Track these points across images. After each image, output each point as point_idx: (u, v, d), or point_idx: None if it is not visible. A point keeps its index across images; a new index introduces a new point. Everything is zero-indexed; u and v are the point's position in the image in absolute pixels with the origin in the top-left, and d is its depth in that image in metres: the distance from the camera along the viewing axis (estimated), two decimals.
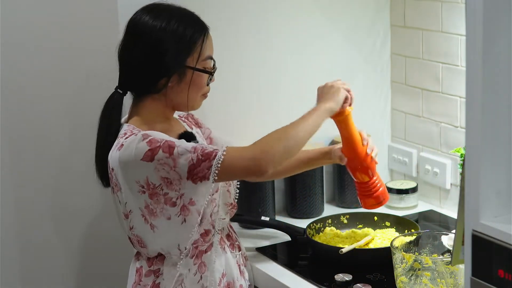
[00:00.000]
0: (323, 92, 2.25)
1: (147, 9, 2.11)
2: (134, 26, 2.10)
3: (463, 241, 1.39)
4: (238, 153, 2.00)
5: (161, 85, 2.07)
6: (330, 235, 2.48)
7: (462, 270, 1.98)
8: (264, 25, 2.69)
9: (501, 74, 1.32)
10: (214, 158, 1.96)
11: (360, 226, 2.59)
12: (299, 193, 2.75)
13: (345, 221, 2.59)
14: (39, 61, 3.09)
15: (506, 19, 1.30)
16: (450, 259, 2.02)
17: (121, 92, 2.12)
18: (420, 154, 2.84)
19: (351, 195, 2.83)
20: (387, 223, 2.57)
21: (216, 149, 1.98)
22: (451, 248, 2.12)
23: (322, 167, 2.78)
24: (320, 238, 2.48)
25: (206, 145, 2.01)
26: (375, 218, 2.59)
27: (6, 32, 3.02)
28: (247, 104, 2.70)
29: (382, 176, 2.96)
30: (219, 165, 1.96)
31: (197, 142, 2.15)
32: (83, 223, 3.27)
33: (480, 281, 1.35)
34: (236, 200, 2.25)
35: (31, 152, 3.14)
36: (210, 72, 2.12)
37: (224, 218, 2.19)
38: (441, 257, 2.12)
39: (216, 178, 1.98)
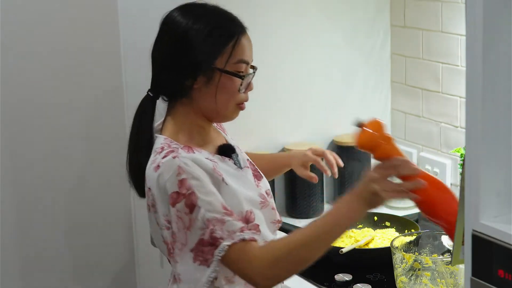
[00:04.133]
0: (366, 195, 1.81)
1: (180, 7, 1.97)
2: (164, 24, 1.96)
3: (463, 241, 1.39)
4: (237, 262, 1.78)
5: (187, 86, 1.90)
6: None
7: (462, 270, 1.98)
8: (263, 25, 2.69)
9: (501, 74, 1.32)
10: (216, 248, 1.78)
11: (360, 226, 2.59)
12: (299, 193, 2.75)
13: None
14: (39, 61, 3.09)
15: (506, 19, 1.30)
16: (450, 259, 2.02)
17: (151, 95, 1.97)
18: (420, 154, 2.84)
19: None
20: (387, 223, 2.57)
21: (222, 238, 1.78)
22: (451, 248, 2.12)
23: None
24: None
25: (218, 225, 1.78)
26: (375, 218, 2.59)
27: (6, 32, 3.02)
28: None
29: None
30: (219, 258, 1.78)
31: (237, 155, 2.00)
32: (84, 223, 3.27)
33: (480, 281, 1.35)
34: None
35: (31, 151, 3.14)
36: (240, 76, 1.91)
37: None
38: (441, 257, 2.12)
39: (217, 269, 1.79)
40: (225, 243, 1.77)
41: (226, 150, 1.98)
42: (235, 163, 1.97)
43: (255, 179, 2.01)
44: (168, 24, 1.94)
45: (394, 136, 2.97)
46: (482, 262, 1.35)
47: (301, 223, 2.61)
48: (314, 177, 2.27)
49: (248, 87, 1.95)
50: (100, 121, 3.30)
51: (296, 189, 2.75)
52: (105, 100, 3.27)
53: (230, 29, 1.92)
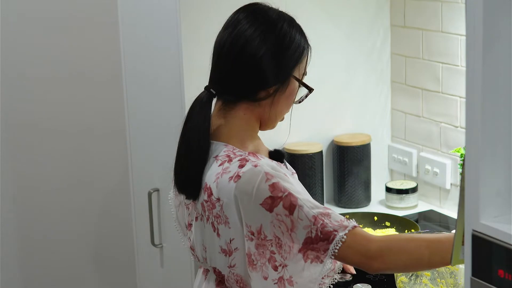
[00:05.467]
0: None
1: (264, 6, 1.93)
2: (250, 20, 1.86)
3: (463, 241, 1.39)
4: (357, 246, 1.75)
5: (265, 93, 1.86)
6: None
7: (462, 270, 1.98)
8: None
9: (501, 74, 1.31)
10: (332, 242, 1.74)
11: (360, 226, 2.58)
12: None
13: None
14: (39, 61, 3.09)
15: (506, 19, 1.30)
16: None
17: (214, 92, 1.87)
18: (420, 154, 2.85)
19: (351, 195, 2.83)
20: (387, 223, 2.57)
21: (336, 230, 1.74)
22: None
23: (322, 167, 2.78)
24: None
25: (326, 219, 1.76)
26: (375, 218, 2.59)
27: (6, 32, 3.02)
28: None
29: (382, 176, 2.97)
30: (336, 250, 1.74)
31: (285, 163, 1.95)
32: (86, 223, 3.28)
33: (480, 281, 1.35)
34: None
35: (32, 150, 3.14)
36: (309, 88, 1.93)
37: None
38: None
39: (332, 259, 1.76)
40: (341, 233, 1.74)
41: (279, 155, 1.93)
42: (287, 168, 1.94)
43: None
44: (251, 24, 1.86)
45: (394, 136, 2.98)
46: (482, 262, 1.35)
47: None
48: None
49: (302, 99, 1.98)
50: (100, 121, 3.30)
51: None
52: (105, 100, 3.27)
53: (306, 39, 1.93)
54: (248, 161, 1.79)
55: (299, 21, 2.85)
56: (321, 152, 2.77)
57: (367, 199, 2.87)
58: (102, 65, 3.19)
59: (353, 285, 2.16)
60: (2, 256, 3.13)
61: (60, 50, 3.11)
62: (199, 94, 1.88)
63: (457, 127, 2.68)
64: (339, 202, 2.86)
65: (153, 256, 2.89)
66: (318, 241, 1.74)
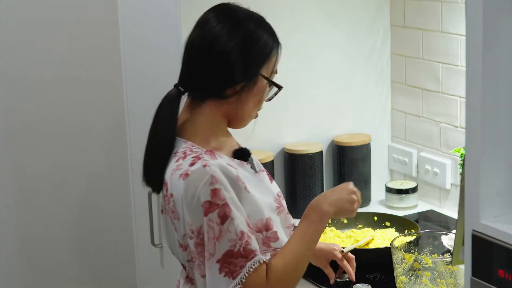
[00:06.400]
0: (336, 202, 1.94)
1: (230, 6, 1.95)
2: (215, 20, 1.89)
3: (463, 241, 1.39)
4: (261, 279, 1.80)
5: (232, 91, 1.87)
6: (330, 235, 2.48)
7: (462, 270, 1.98)
8: None
9: (501, 74, 1.32)
10: (250, 260, 1.78)
11: (360, 226, 2.59)
12: (299, 193, 2.75)
13: (345, 221, 2.59)
14: (39, 61, 3.09)
15: (506, 19, 1.30)
16: (450, 259, 2.02)
17: (181, 90, 1.91)
18: (420, 154, 2.84)
19: None
20: (387, 223, 2.57)
21: (257, 251, 1.80)
22: (451, 248, 2.12)
23: (322, 167, 2.78)
24: (320, 239, 2.47)
25: (250, 235, 1.80)
26: (375, 218, 2.59)
27: (6, 32, 3.02)
28: None
29: (382, 176, 2.97)
30: (251, 270, 1.78)
31: (252, 159, 1.98)
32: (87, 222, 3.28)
33: (480, 281, 1.35)
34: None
35: (32, 150, 3.14)
36: (278, 86, 1.94)
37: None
38: (441, 257, 2.12)
39: (243, 281, 1.78)
40: (259, 256, 1.79)
41: (243, 154, 1.96)
42: (251, 167, 1.96)
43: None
44: (220, 23, 1.89)
45: (394, 136, 2.98)
46: (482, 262, 1.35)
47: None
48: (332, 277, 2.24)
49: (271, 97, 1.99)
50: (100, 121, 3.30)
51: (296, 190, 2.75)
52: (105, 100, 3.27)
53: (275, 38, 1.94)
54: (200, 159, 1.82)
55: (299, 21, 2.85)
56: (321, 152, 2.77)
57: (367, 199, 2.87)
58: (102, 65, 3.19)
59: (353, 285, 2.16)
60: (2, 256, 3.13)
61: (60, 50, 3.11)
62: (169, 91, 1.92)
63: (457, 127, 2.68)
64: None
65: (153, 256, 2.89)
66: (238, 257, 1.77)
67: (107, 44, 3.15)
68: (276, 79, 1.91)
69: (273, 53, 1.92)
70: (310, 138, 2.84)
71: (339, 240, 2.45)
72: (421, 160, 2.83)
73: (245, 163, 1.94)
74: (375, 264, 2.27)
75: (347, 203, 1.94)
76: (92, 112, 3.26)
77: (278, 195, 1.98)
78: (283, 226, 1.95)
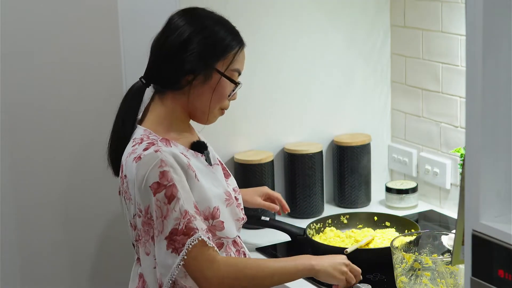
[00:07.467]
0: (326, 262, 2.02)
1: (191, 8, 2.10)
2: (177, 19, 2.05)
3: (463, 241, 1.39)
4: (207, 256, 1.92)
5: (185, 81, 2.01)
6: (330, 235, 2.49)
7: (462, 270, 1.98)
8: (263, 25, 2.69)
9: (501, 74, 1.32)
10: (190, 237, 1.90)
11: (360, 226, 2.59)
12: (299, 193, 2.75)
13: (345, 221, 2.60)
14: (39, 61, 3.09)
15: (506, 19, 1.30)
16: (450, 259, 2.02)
17: (144, 82, 2.07)
18: (420, 154, 2.85)
19: (351, 195, 2.83)
20: (387, 223, 2.57)
21: (197, 229, 1.91)
22: (451, 248, 2.12)
23: (322, 167, 2.78)
24: (320, 238, 2.48)
25: (194, 219, 1.92)
26: (375, 218, 2.59)
27: (6, 32, 3.02)
28: (245, 103, 2.70)
29: (382, 176, 2.97)
30: (190, 246, 1.90)
31: (208, 152, 2.12)
32: (89, 226, 3.27)
33: (480, 281, 1.35)
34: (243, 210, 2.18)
35: (32, 150, 3.14)
36: (236, 83, 2.06)
37: (236, 235, 2.12)
38: (441, 257, 2.12)
39: (185, 258, 1.90)
40: (199, 234, 1.90)
41: (199, 147, 2.09)
42: (206, 160, 2.09)
43: (224, 177, 2.14)
44: (180, 19, 2.05)
45: (394, 136, 2.98)
46: (482, 262, 1.35)
47: (301, 223, 2.61)
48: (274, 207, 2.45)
49: (233, 95, 2.09)
50: (101, 121, 3.29)
51: (296, 189, 2.75)
52: (105, 100, 3.26)
53: (237, 38, 2.06)
54: (154, 145, 1.96)
55: (299, 21, 2.85)
56: (321, 152, 2.77)
57: (367, 199, 2.87)
58: (102, 65, 3.18)
59: (353, 285, 2.15)
60: (2, 256, 3.13)
61: (60, 50, 3.11)
62: (134, 83, 2.09)
63: (457, 127, 2.68)
64: (339, 202, 2.86)
65: None
66: (180, 234, 1.90)
67: (107, 44, 3.15)
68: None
69: (231, 51, 2.03)
70: (310, 138, 2.84)
71: (339, 240, 2.46)
72: (421, 160, 2.83)
73: (200, 155, 2.08)
74: (375, 264, 2.27)
75: (335, 271, 2.01)
76: (92, 112, 3.26)
77: (234, 190, 2.14)
78: (233, 218, 2.08)
